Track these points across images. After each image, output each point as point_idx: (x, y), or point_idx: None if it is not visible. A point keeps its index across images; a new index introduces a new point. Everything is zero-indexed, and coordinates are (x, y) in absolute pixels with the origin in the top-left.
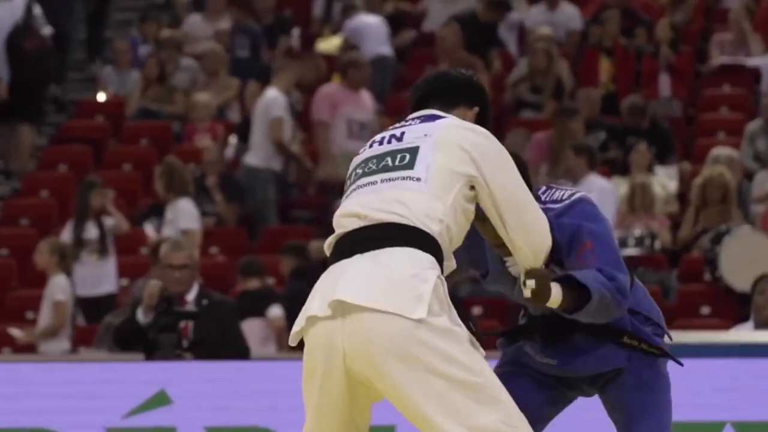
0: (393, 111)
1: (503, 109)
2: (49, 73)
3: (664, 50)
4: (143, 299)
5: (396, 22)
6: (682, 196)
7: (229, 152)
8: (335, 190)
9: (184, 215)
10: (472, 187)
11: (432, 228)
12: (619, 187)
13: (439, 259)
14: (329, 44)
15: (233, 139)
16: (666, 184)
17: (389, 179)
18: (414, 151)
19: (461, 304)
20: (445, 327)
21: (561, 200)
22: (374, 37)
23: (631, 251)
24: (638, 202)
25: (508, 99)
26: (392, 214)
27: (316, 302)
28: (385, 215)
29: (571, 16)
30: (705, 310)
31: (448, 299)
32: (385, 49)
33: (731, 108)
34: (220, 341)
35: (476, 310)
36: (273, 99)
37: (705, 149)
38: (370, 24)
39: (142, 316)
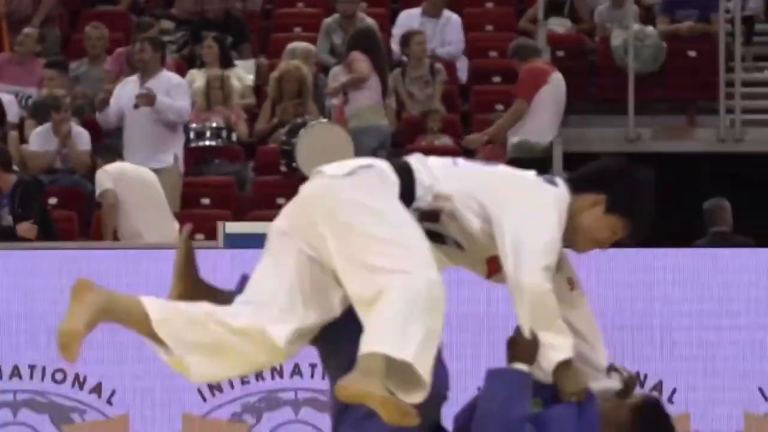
0: None
1: (79, 2)
2: None
3: None
4: None
5: None
6: (259, 90)
7: None
8: None
9: None
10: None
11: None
12: (196, 80)
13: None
14: None
15: None
16: (243, 77)
17: None
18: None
19: None
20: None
21: None
22: None
23: (209, 143)
24: (215, 95)
25: None
26: None
27: None
28: None
29: None
30: (281, 200)
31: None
32: None
33: (307, 3)
34: None
35: (52, 201)
36: None
37: (282, 43)
38: None
39: None
